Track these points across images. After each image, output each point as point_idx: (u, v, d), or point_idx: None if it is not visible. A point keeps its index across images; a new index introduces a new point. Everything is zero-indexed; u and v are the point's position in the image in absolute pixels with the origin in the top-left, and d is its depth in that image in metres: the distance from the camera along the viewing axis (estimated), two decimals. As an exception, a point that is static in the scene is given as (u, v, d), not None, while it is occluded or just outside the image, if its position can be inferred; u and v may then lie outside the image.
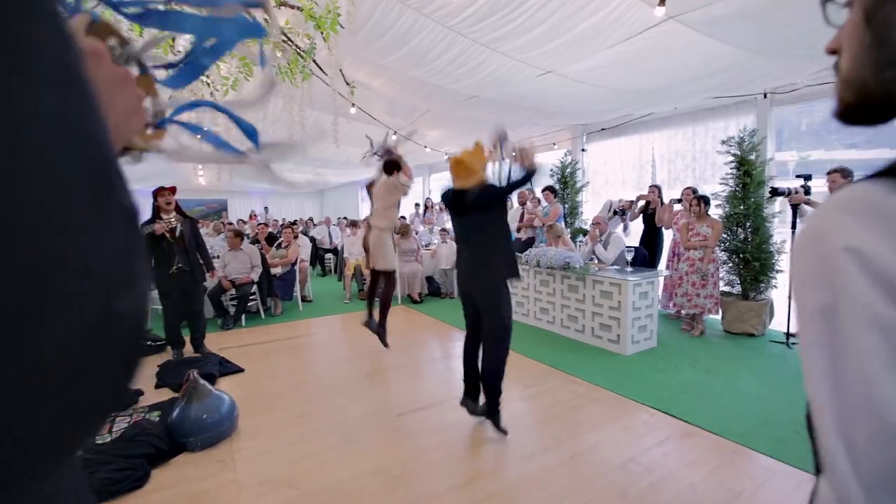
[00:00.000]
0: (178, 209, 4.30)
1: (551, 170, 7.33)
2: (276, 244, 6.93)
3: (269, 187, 18.77)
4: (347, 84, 3.45)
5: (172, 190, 4.22)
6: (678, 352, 4.44)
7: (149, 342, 4.62)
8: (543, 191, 6.62)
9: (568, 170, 7.20)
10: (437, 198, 12.18)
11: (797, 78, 4.63)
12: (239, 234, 5.97)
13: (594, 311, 4.67)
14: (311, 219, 13.91)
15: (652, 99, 5.16)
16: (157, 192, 4.14)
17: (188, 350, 4.53)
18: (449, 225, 10.91)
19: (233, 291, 5.69)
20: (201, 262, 4.50)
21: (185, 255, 4.18)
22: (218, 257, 6.07)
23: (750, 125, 5.11)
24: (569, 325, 5.00)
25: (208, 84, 2.76)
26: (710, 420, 2.98)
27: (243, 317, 5.79)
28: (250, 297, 5.90)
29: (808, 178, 4.51)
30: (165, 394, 3.53)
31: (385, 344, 4.29)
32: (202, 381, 2.82)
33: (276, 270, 6.50)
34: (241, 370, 4.09)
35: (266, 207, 18.81)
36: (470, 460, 2.59)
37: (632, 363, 4.15)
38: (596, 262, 5.20)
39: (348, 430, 2.94)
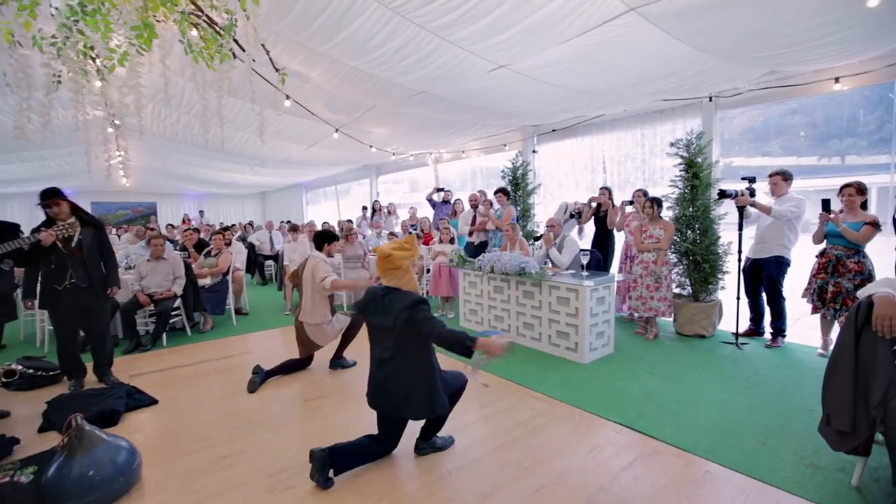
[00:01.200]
0: (77, 213, 3.62)
1: (503, 171, 7.14)
2: (204, 252, 6.22)
3: (204, 189, 17.44)
4: (277, 70, 3.00)
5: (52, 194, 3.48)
6: (635, 357, 4.33)
7: (40, 371, 3.88)
8: (496, 193, 6.41)
9: (519, 171, 7.04)
10: (385, 200, 11.75)
11: (741, 82, 4.70)
12: (159, 239, 5.27)
13: (551, 318, 4.47)
14: (250, 223, 12.97)
15: (604, 100, 5.08)
16: (44, 195, 3.43)
17: (90, 379, 3.85)
18: (398, 228, 10.54)
19: (152, 307, 5.00)
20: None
21: (81, 269, 3.52)
22: (132, 268, 5.33)
23: (696, 128, 5.15)
24: (525, 333, 4.78)
25: (93, 58, 2.23)
26: (675, 434, 2.82)
27: (164, 336, 5.09)
28: (173, 313, 5.21)
29: (752, 180, 4.58)
30: (53, 439, 2.89)
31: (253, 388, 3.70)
32: (88, 428, 2.27)
33: (206, 281, 5.83)
34: (155, 402, 3.49)
35: (201, 211, 17.48)
36: None
37: (591, 372, 3.98)
38: (551, 266, 5.03)
39: (279, 474, 2.49)
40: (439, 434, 2.71)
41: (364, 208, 11.76)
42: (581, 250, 4.78)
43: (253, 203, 21.48)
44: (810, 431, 2.82)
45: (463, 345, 2.11)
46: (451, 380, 2.55)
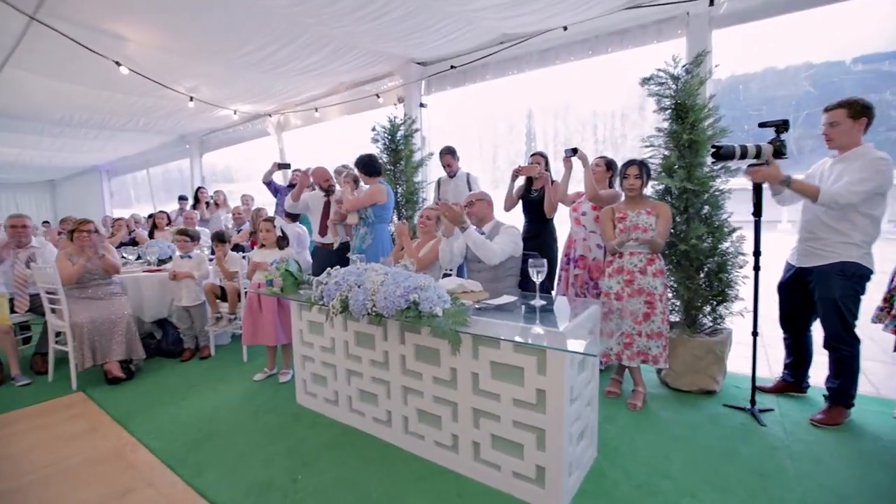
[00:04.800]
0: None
1: (374, 130, 4.57)
2: None
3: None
4: None
5: None
6: (641, 467, 2.13)
7: None
8: (356, 164, 3.76)
9: (400, 132, 4.54)
10: (211, 189, 8.33)
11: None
12: None
13: (479, 407, 2.05)
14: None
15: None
16: None
17: None
18: (229, 223, 7.28)
19: None
20: None
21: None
22: None
23: (681, 56, 3.18)
24: (423, 435, 2.28)
25: None
26: None
27: None
28: None
29: (782, 127, 2.60)
30: None
31: None
32: None
33: None
34: None
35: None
36: None
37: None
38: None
39: None
40: None
41: (182, 198, 8.29)
42: (527, 254, 2.46)
43: (37, 195, 15.91)
44: None
45: None
46: None
